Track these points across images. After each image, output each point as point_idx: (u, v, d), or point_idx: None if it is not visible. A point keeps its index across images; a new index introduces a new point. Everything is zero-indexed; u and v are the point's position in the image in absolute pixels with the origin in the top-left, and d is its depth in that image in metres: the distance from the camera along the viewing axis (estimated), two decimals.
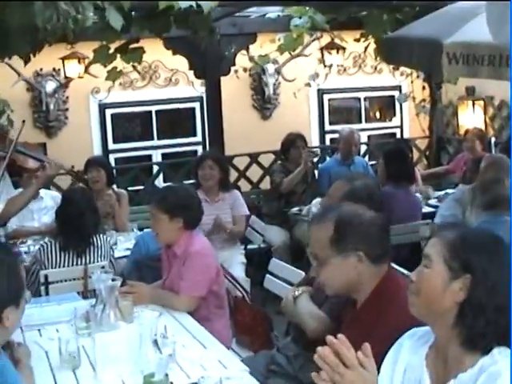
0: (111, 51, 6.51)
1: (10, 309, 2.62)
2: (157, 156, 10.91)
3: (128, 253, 6.30)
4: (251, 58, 10.33)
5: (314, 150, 7.98)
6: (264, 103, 11.37)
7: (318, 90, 11.70)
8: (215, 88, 8.49)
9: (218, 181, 6.77)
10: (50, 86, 10.17)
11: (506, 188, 4.55)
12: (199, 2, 4.85)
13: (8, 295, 2.63)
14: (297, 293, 4.00)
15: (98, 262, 5.44)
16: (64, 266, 5.34)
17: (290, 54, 8.81)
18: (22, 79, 9.89)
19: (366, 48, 8.81)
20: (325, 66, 10.19)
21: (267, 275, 5.34)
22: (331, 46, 9.49)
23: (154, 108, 10.92)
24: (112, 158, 10.61)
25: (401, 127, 12.48)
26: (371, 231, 3.04)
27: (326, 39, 9.76)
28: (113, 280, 3.80)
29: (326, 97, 11.89)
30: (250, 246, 7.45)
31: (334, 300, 3.75)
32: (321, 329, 3.72)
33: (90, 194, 5.84)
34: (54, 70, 10.21)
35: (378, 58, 9.16)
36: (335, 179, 8.18)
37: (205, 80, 8.55)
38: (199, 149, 11.12)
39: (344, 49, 9.68)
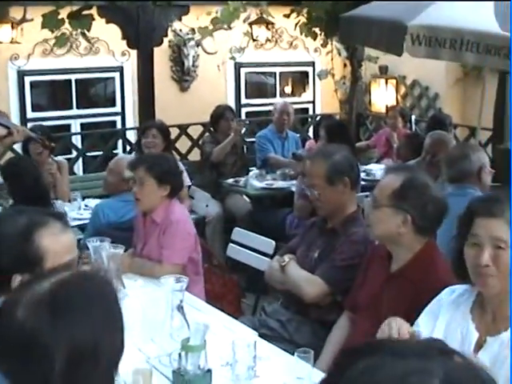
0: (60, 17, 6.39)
1: (21, 276, 2.34)
2: (76, 126, 10.71)
3: (76, 222, 6.30)
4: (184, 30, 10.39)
5: (245, 120, 8.01)
6: (183, 75, 11.37)
7: (235, 64, 11.77)
8: (148, 58, 8.45)
9: (162, 150, 6.83)
10: None
11: (472, 162, 4.81)
12: None
13: (17, 261, 2.38)
14: (286, 260, 4.16)
15: None
16: None
17: (229, 27, 8.85)
18: None
19: (296, 24, 8.94)
20: (253, 41, 10.28)
21: (230, 244, 5.43)
22: (260, 21, 9.58)
23: (73, 77, 10.72)
24: (30, 126, 10.38)
25: (313, 103, 12.73)
26: (428, 206, 3.25)
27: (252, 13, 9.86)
28: (114, 248, 3.80)
29: (242, 70, 11.99)
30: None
31: (329, 264, 3.95)
32: (319, 293, 3.91)
33: (29, 159, 5.87)
34: None
35: (303, 35, 9.34)
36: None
37: (137, 50, 8.48)
38: (118, 119, 11.05)
39: (273, 24, 9.81)
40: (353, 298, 3.68)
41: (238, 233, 5.47)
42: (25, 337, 1.63)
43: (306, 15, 8.64)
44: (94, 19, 6.59)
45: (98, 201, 6.95)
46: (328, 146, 5.40)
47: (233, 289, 4.99)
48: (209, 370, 2.94)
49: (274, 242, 5.01)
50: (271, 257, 4.92)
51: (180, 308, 3.29)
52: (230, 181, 7.89)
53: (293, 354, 3.07)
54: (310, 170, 4.23)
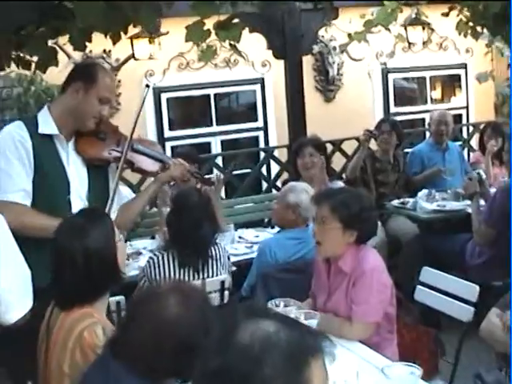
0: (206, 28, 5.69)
1: None
2: (216, 143, 10.11)
3: (232, 259, 5.52)
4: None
5: (372, 130, 7.06)
6: (327, 84, 10.62)
7: (383, 70, 10.92)
8: (296, 69, 7.70)
9: (319, 169, 6.10)
10: None
11: None
12: None
13: None
14: None
15: (216, 275, 4.71)
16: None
17: (387, 29, 7.99)
18: (73, 62, 9.10)
19: (458, 23, 7.96)
20: (409, 44, 9.39)
21: (418, 286, 4.56)
22: (416, 22, 8.69)
23: (212, 91, 10.13)
24: (168, 146, 9.83)
25: (467, 108, 11.71)
26: None
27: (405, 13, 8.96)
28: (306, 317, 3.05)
29: (390, 76, 11.10)
30: None
31: None
32: None
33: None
34: (104, 51, 9.47)
35: (461, 35, 8.36)
36: (429, 165, 7.66)
37: (285, 60, 7.73)
38: (261, 135, 10.37)
39: (429, 24, 8.90)
40: None
41: (428, 273, 4.55)
42: None
43: (468, 12, 7.66)
44: (244, 28, 5.89)
45: (253, 232, 6.31)
46: None
47: (428, 344, 4.12)
48: None
49: (477, 288, 4.14)
50: (474, 304, 4.10)
51: None
52: (396, 202, 7.05)
53: None
54: None
